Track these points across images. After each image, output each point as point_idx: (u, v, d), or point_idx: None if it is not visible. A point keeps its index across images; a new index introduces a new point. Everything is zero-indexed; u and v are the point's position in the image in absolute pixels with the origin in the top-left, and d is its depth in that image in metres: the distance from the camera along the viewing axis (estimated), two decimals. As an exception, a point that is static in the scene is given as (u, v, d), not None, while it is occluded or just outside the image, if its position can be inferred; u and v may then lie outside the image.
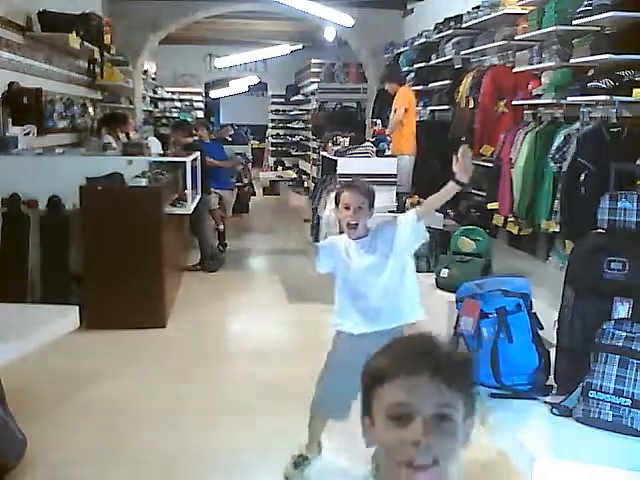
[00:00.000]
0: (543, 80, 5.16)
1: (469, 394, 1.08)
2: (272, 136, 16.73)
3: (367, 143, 6.63)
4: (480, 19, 6.39)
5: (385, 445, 1.06)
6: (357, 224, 2.79)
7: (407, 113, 6.92)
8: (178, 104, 15.79)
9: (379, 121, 7.49)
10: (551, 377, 2.23)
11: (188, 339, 4.93)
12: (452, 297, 4.08)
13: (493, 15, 6.05)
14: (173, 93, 15.53)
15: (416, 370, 1.03)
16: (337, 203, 2.86)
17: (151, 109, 12.50)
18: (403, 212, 6.19)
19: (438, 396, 1.03)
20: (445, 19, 7.60)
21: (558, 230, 4.56)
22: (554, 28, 4.81)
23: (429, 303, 4.98)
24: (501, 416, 2.08)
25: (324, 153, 7.51)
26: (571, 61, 4.69)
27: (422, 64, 8.29)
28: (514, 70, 5.63)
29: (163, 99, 14.32)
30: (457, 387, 1.05)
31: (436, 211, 6.19)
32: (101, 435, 3.39)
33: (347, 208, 2.78)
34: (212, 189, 7.31)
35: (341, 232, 2.98)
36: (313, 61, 12.84)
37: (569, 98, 4.65)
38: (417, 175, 6.87)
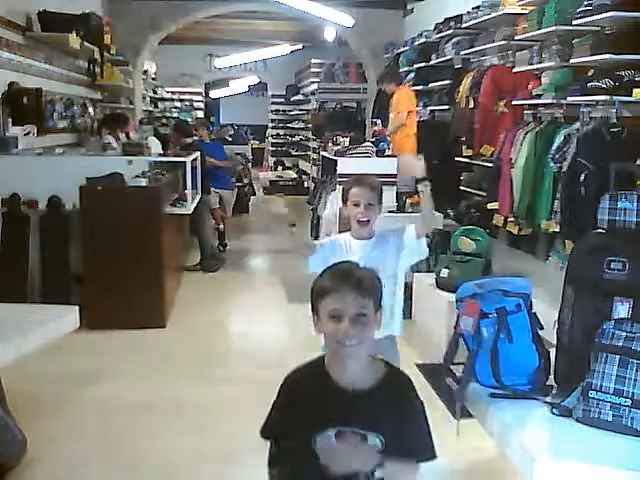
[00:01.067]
0: (543, 80, 5.16)
1: (377, 297, 1.67)
2: (272, 136, 16.73)
3: (367, 143, 6.62)
4: (480, 19, 6.39)
5: (327, 333, 1.65)
6: (368, 221, 2.74)
7: (410, 115, 6.93)
8: (178, 104, 15.79)
9: (379, 121, 7.49)
10: (551, 377, 2.23)
11: (188, 339, 4.93)
12: (452, 297, 4.09)
13: (493, 15, 6.05)
14: (173, 93, 15.53)
15: (343, 287, 1.62)
16: (345, 200, 2.80)
17: (151, 109, 12.50)
18: (403, 212, 6.26)
19: (357, 302, 1.61)
20: (445, 19, 7.60)
21: (558, 230, 4.56)
22: (554, 28, 4.81)
23: (429, 303, 5.00)
24: (501, 416, 2.08)
25: (324, 153, 7.51)
26: (571, 61, 4.69)
27: (422, 64, 8.29)
28: (514, 70, 5.63)
29: (163, 99, 14.32)
30: (368, 294, 1.63)
31: (436, 211, 6.22)
32: (101, 435, 3.39)
33: (357, 205, 2.73)
34: (212, 189, 7.31)
35: (342, 230, 2.95)
36: (313, 61, 12.84)
37: (569, 98, 4.65)
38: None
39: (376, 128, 7.08)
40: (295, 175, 14.58)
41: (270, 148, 16.74)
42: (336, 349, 1.64)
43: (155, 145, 6.46)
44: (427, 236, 3.11)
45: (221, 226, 7.79)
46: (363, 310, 1.62)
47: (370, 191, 2.75)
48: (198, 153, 6.51)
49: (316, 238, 7.11)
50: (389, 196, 6.32)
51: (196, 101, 16.89)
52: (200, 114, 15.88)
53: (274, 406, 1.85)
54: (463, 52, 7.01)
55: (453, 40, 7.27)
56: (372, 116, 9.51)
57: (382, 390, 1.65)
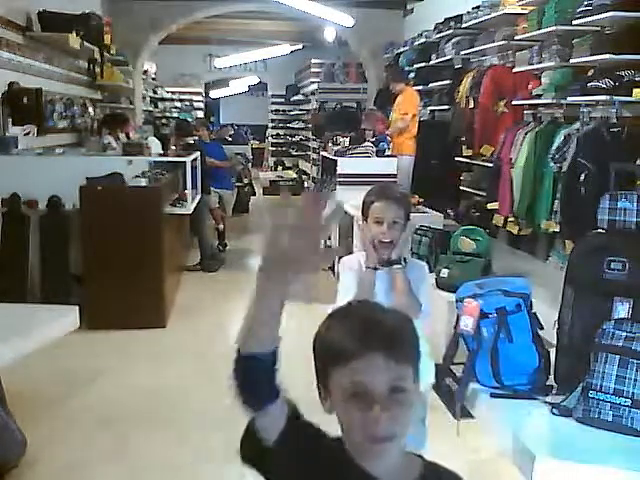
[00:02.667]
0: (543, 80, 5.16)
1: (416, 357, 1.15)
2: (272, 136, 16.73)
3: (367, 143, 6.63)
4: (480, 19, 6.39)
5: (344, 422, 1.12)
6: (392, 242, 2.29)
7: (413, 117, 6.93)
8: (178, 104, 15.78)
9: (374, 108, 7.49)
10: (551, 377, 2.23)
11: (188, 339, 4.93)
12: (452, 297, 4.09)
13: (493, 15, 6.04)
14: (173, 93, 15.53)
15: (367, 351, 1.08)
16: (365, 216, 2.36)
17: (151, 109, 12.50)
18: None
19: (390, 372, 1.08)
20: (445, 19, 7.59)
21: (558, 230, 4.56)
22: (554, 28, 4.81)
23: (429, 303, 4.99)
24: (501, 416, 2.08)
25: (324, 153, 7.52)
26: (571, 61, 4.69)
27: (422, 64, 8.28)
28: (514, 70, 5.63)
29: (163, 99, 14.32)
30: (406, 359, 1.11)
31: (436, 211, 6.23)
32: (101, 435, 3.39)
33: (379, 222, 2.28)
34: (212, 189, 7.31)
35: (368, 250, 2.39)
36: (313, 61, 12.84)
37: (569, 98, 4.65)
38: (417, 175, 6.87)
39: (380, 128, 7.08)
40: (295, 175, 14.58)
41: (270, 148, 16.73)
42: (360, 443, 1.12)
43: (155, 145, 6.46)
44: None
45: (220, 226, 7.79)
46: (400, 383, 1.10)
47: (397, 206, 2.30)
48: (198, 153, 6.51)
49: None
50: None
51: (196, 101, 16.88)
52: (200, 114, 15.88)
53: None
54: (463, 52, 7.00)
55: (453, 40, 7.27)
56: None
57: None
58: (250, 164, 12.04)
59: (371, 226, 2.32)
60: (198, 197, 6.43)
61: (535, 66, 5.24)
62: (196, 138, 7.72)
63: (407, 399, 1.11)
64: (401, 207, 2.32)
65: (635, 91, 3.95)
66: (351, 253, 6.36)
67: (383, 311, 1.18)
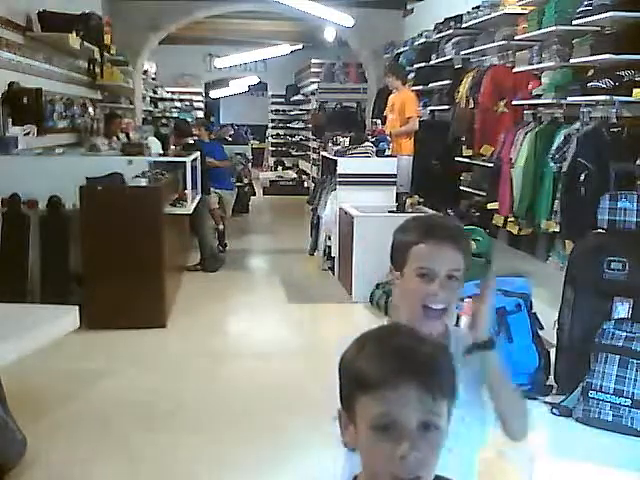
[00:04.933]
0: (543, 80, 5.16)
1: (452, 393, 1.07)
2: (272, 136, 16.73)
3: (367, 143, 6.63)
4: (480, 19, 6.39)
5: (367, 454, 1.05)
6: (445, 309, 1.52)
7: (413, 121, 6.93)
8: (178, 104, 15.78)
9: (379, 121, 7.48)
10: (551, 377, 2.24)
11: (188, 339, 4.93)
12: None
13: (493, 15, 6.05)
14: (173, 93, 15.53)
15: (399, 381, 1.00)
16: (399, 263, 1.56)
17: (151, 109, 12.50)
18: (403, 212, 6.26)
19: (423, 405, 1.00)
20: (445, 19, 7.59)
21: (558, 230, 4.56)
22: (554, 28, 4.81)
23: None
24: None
25: (324, 153, 7.52)
26: (571, 61, 4.69)
27: (422, 64, 8.29)
28: (514, 70, 5.63)
29: (163, 99, 14.32)
30: (441, 392, 1.03)
31: (436, 211, 6.23)
32: (101, 435, 3.39)
33: (424, 275, 1.51)
34: (212, 189, 7.31)
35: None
36: (313, 61, 12.84)
37: (569, 98, 4.65)
38: (417, 175, 6.87)
39: (379, 128, 7.08)
40: (295, 175, 14.58)
41: (270, 148, 16.73)
42: None
43: (155, 145, 6.45)
44: None
45: (221, 226, 7.78)
46: (433, 418, 1.01)
47: (453, 250, 1.51)
48: (198, 153, 6.51)
49: (316, 239, 7.12)
50: (389, 196, 6.34)
51: (196, 101, 16.88)
52: (200, 114, 15.87)
53: None
54: (463, 52, 7.00)
55: (453, 40, 7.27)
56: (372, 116, 9.52)
57: None
58: (250, 164, 12.03)
59: (410, 279, 1.53)
60: (198, 197, 6.43)
61: (535, 66, 5.25)
62: (196, 138, 7.71)
63: (439, 438, 1.03)
64: (459, 250, 1.52)
65: (635, 91, 3.96)
66: (352, 257, 6.31)
67: (419, 338, 1.10)
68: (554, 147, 4.60)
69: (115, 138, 7.03)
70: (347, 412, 1.07)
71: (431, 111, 7.97)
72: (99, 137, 6.86)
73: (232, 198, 8.29)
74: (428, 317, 1.51)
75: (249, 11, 10.41)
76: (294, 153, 15.91)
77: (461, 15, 7.06)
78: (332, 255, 6.68)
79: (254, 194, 11.94)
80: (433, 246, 1.51)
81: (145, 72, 11.17)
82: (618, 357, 1.94)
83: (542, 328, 2.46)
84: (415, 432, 0.99)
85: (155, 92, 13.20)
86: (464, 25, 6.91)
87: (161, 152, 6.36)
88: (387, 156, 6.60)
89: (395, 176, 6.41)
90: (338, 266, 6.48)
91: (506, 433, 1.52)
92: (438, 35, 7.73)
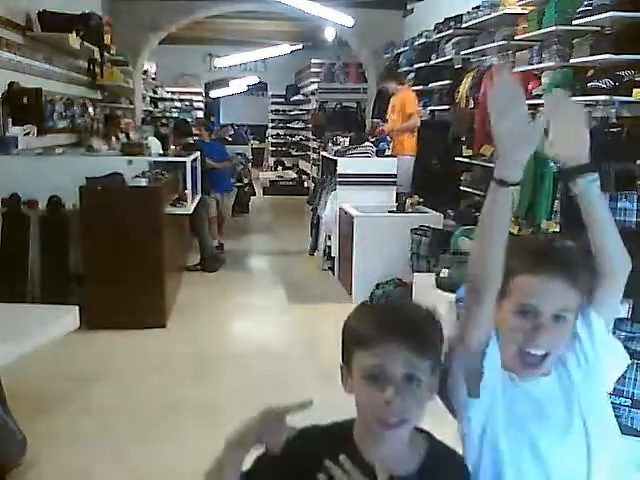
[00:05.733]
0: (543, 80, 5.16)
1: (436, 354, 1.24)
2: (272, 136, 16.73)
3: (367, 143, 6.63)
4: (480, 19, 6.39)
5: (359, 401, 1.21)
6: (547, 355, 1.31)
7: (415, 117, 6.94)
8: (178, 104, 15.78)
9: (380, 121, 7.49)
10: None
11: (188, 339, 4.93)
12: (452, 297, 4.11)
13: (493, 15, 6.05)
14: (173, 93, 15.53)
15: (390, 336, 1.16)
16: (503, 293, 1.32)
17: (151, 109, 12.49)
18: (403, 212, 6.26)
19: (409, 360, 1.16)
20: (445, 19, 7.60)
21: (558, 230, 4.56)
22: (554, 28, 4.81)
23: (429, 303, 5.00)
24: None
25: (324, 153, 7.52)
26: (571, 61, 4.69)
27: (422, 64, 8.29)
28: (514, 70, 5.63)
29: (163, 99, 14.31)
30: (427, 350, 1.20)
31: (436, 211, 6.24)
32: (101, 435, 3.39)
33: (526, 313, 1.30)
34: (210, 194, 7.24)
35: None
36: (313, 61, 12.84)
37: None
38: (417, 175, 6.87)
39: (382, 128, 7.07)
40: (295, 175, 14.58)
41: (270, 148, 16.74)
42: (369, 424, 1.19)
43: (155, 145, 6.46)
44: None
45: (215, 241, 7.64)
46: (415, 372, 1.17)
47: (566, 285, 1.29)
48: (198, 153, 6.51)
49: (316, 239, 7.12)
50: (389, 196, 6.34)
51: (196, 101, 16.88)
52: (200, 114, 15.88)
53: None
54: (463, 52, 7.00)
55: (453, 40, 7.27)
56: (372, 116, 9.52)
57: (426, 477, 1.21)
58: (250, 164, 12.03)
59: (507, 317, 1.31)
60: (198, 197, 6.43)
61: (535, 66, 5.25)
62: (196, 138, 7.71)
63: (421, 390, 1.18)
64: (573, 285, 1.29)
65: (635, 91, 3.96)
66: (352, 257, 6.29)
67: (412, 307, 1.28)
68: (554, 147, 4.60)
69: (114, 138, 7.02)
70: (346, 365, 1.24)
71: (431, 111, 7.97)
72: (96, 138, 6.84)
73: (231, 200, 8.26)
74: (525, 363, 1.32)
75: (249, 11, 10.41)
76: (294, 153, 15.91)
77: (461, 15, 7.06)
78: (332, 255, 6.68)
79: (254, 194, 11.94)
80: (541, 280, 1.28)
81: (145, 72, 11.16)
82: (618, 357, 1.94)
83: (542, 328, 2.45)
84: (400, 382, 1.16)
85: (155, 92, 13.20)
86: (464, 25, 6.91)
87: (161, 152, 6.37)
88: (387, 156, 6.60)
89: (395, 176, 6.42)
90: (338, 266, 6.48)
91: (609, 265, 1.40)
92: (438, 35, 7.73)
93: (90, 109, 7.93)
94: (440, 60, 7.68)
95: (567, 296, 1.29)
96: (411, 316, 1.23)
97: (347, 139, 6.89)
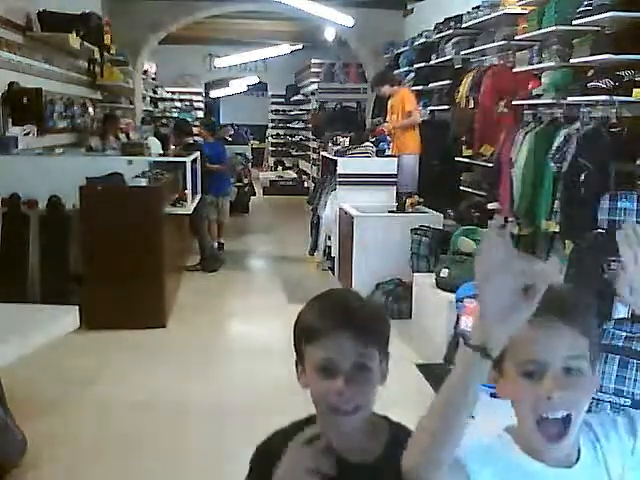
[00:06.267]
0: (543, 80, 5.16)
1: (383, 342, 1.26)
2: (272, 136, 16.74)
3: (367, 143, 6.64)
4: (480, 19, 6.39)
5: (314, 394, 1.24)
6: (569, 418, 1.11)
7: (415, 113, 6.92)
8: (178, 104, 15.78)
9: (381, 119, 7.48)
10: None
11: (188, 339, 4.93)
12: (452, 297, 4.12)
13: (493, 15, 6.04)
14: (173, 93, 15.53)
15: (336, 329, 1.19)
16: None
17: (151, 109, 12.50)
18: (403, 212, 6.27)
19: (356, 350, 1.20)
20: (445, 19, 7.59)
21: (558, 230, 4.56)
22: (554, 28, 4.81)
23: (429, 303, 5.00)
24: (501, 416, 2.07)
25: (324, 153, 7.52)
26: (571, 61, 4.69)
27: (422, 64, 8.29)
28: (514, 70, 5.63)
29: (163, 99, 14.32)
30: (372, 339, 1.23)
31: (436, 211, 6.24)
32: (101, 435, 3.39)
33: (532, 374, 1.12)
34: (209, 195, 7.18)
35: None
36: (313, 61, 12.85)
37: (569, 98, 4.65)
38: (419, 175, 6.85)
39: (384, 128, 7.07)
40: (295, 175, 14.58)
41: (270, 148, 16.74)
42: (327, 414, 1.23)
43: (155, 145, 6.46)
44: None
45: (215, 243, 7.62)
46: (364, 360, 1.21)
47: (572, 330, 1.11)
48: (198, 153, 6.51)
49: (316, 239, 7.12)
50: (389, 196, 6.34)
51: (196, 101, 16.88)
52: (200, 114, 15.88)
53: None
54: (463, 52, 7.00)
55: (453, 40, 7.27)
56: (372, 116, 9.52)
57: (392, 460, 1.13)
58: (250, 164, 12.02)
59: (511, 381, 1.15)
60: (198, 197, 6.43)
61: (535, 66, 5.24)
62: (196, 138, 7.70)
63: (371, 377, 1.22)
64: (579, 326, 1.11)
65: (635, 91, 3.95)
66: (352, 257, 6.29)
67: (358, 298, 1.29)
68: (554, 147, 4.60)
69: (114, 139, 7.01)
70: (299, 359, 1.28)
71: (431, 111, 7.97)
72: (94, 137, 6.84)
73: (227, 203, 8.04)
74: (546, 434, 1.10)
75: (249, 11, 10.42)
76: (294, 153, 15.92)
77: (461, 15, 7.06)
78: (332, 255, 6.68)
79: (254, 194, 11.94)
80: (540, 327, 1.08)
81: (145, 72, 11.17)
82: (618, 357, 1.94)
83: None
84: (349, 371, 1.19)
85: (155, 92, 13.21)
86: (464, 25, 6.90)
87: (161, 152, 6.37)
88: (387, 156, 6.60)
89: (395, 176, 6.41)
90: (338, 266, 6.48)
91: None
92: (438, 35, 7.73)
93: (90, 109, 7.93)
94: (440, 60, 7.67)
95: (574, 342, 1.09)
96: (356, 307, 1.26)
97: (347, 139, 6.89)
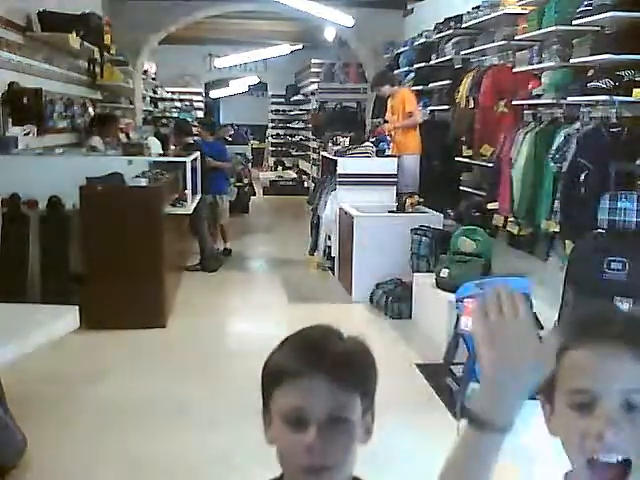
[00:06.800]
0: (543, 80, 5.16)
1: (367, 388, 1.06)
2: (272, 136, 16.74)
3: (367, 143, 6.64)
4: (480, 19, 6.39)
5: (280, 448, 1.04)
6: (628, 463, 0.91)
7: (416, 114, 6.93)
8: (178, 104, 15.79)
9: (381, 120, 7.48)
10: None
11: (188, 339, 4.93)
12: (452, 297, 4.12)
13: (493, 15, 6.04)
14: (173, 93, 15.54)
15: (308, 372, 1.00)
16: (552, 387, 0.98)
17: (151, 109, 12.50)
18: (403, 212, 6.27)
19: (332, 398, 1.00)
20: (445, 19, 7.59)
21: (558, 230, 4.56)
22: (554, 28, 4.81)
23: (429, 303, 5.00)
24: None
25: (324, 153, 7.52)
26: (571, 61, 4.69)
27: (422, 64, 8.28)
28: (514, 70, 5.63)
29: (163, 99, 14.32)
30: (353, 384, 1.02)
31: (436, 211, 6.24)
32: (101, 435, 3.39)
33: (583, 406, 0.93)
34: (209, 195, 7.14)
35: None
36: (313, 61, 12.85)
37: (569, 98, 4.65)
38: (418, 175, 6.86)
39: (384, 127, 7.07)
40: (295, 175, 14.59)
41: (270, 148, 16.75)
42: (295, 476, 1.03)
43: (155, 145, 6.46)
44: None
45: (222, 247, 7.60)
46: (342, 412, 1.00)
47: (632, 354, 0.92)
48: (198, 153, 6.51)
49: (316, 239, 7.12)
50: (389, 196, 6.34)
51: (196, 101, 16.89)
52: (200, 114, 15.89)
53: None
54: (463, 52, 7.00)
55: (453, 40, 7.27)
56: (372, 116, 9.52)
57: None
58: (250, 164, 12.02)
59: (563, 414, 0.97)
60: (198, 197, 6.43)
61: (535, 66, 5.25)
62: (197, 138, 7.69)
63: (349, 431, 1.01)
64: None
65: (635, 91, 3.95)
66: (352, 257, 6.30)
67: (339, 336, 1.08)
68: (554, 147, 4.60)
69: (111, 138, 6.99)
70: (265, 409, 1.07)
71: (431, 111, 7.96)
72: (95, 137, 6.83)
73: (226, 203, 7.93)
74: (597, 476, 0.92)
75: (249, 11, 10.42)
76: (294, 153, 15.92)
77: (461, 15, 7.06)
78: (332, 255, 6.68)
79: (254, 194, 11.94)
80: (599, 354, 0.92)
81: (145, 72, 11.16)
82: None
83: (542, 328, 2.46)
84: (323, 423, 0.98)
85: (155, 92, 13.20)
86: (464, 25, 6.91)
87: (161, 152, 6.37)
88: (387, 156, 6.60)
89: (395, 176, 6.41)
90: (338, 266, 6.49)
91: None
92: (438, 35, 7.73)
93: (90, 109, 7.93)
94: (440, 60, 7.67)
95: (634, 372, 0.91)
96: (333, 345, 1.05)
97: (347, 139, 6.90)
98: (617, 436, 0.88)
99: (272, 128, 16.84)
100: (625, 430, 0.89)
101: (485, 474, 0.89)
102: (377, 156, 6.54)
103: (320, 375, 0.99)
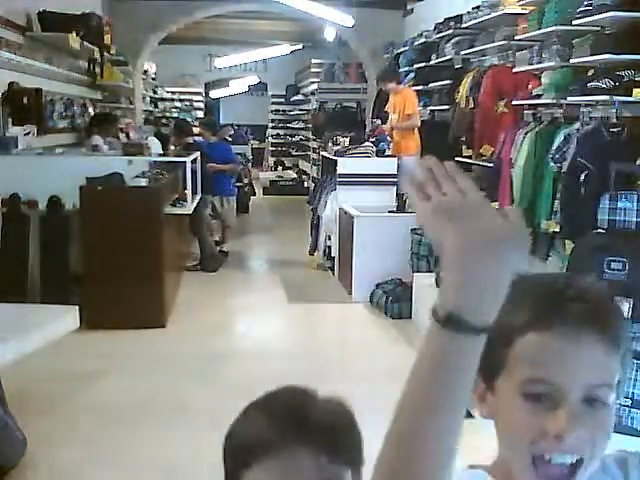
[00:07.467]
0: (543, 80, 5.16)
1: (356, 455, 0.89)
2: (272, 136, 16.73)
3: (367, 143, 6.64)
4: (480, 19, 6.39)
5: None
6: (579, 464, 0.79)
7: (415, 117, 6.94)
8: (178, 104, 15.79)
9: (379, 121, 7.48)
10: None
11: (188, 339, 4.93)
12: (452, 297, 4.11)
13: (493, 15, 6.04)
14: (173, 93, 15.54)
15: (289, 446, 0.82)
16: (488, 365, 0.77)
17: (151, 109, 12.50)
18: (403, 212, 6.26)
19: (319, 473, 0.83)
20: (445, 19, 7.59)
21: (558, 230, 4.56)
22: (554, 28, 4.81)
23: (429, 303, 5.01)
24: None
25: (324, 153, 7.52)
26: (571, 61, 4.69)
27: (422, 64, 8.29)
28: (514, 70, 5.63)
29: (163, 99, 14.32)
30: (343, 458, 0.86)
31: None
32: (101, 435, 3.39)
33: (538, 397, 0.78)
34: (210, 196, 7.14)
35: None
36: (313, 61, 12.85)
37: (569, 98, 4.65)
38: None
39: (384, 127, 7.07)
40: (295, 175, 14.58)
41: (270, 148, 16.74)
42: None
43: (155, 145, 6.45)
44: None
45: (220, 250, 7.57)
46: None
47: (599, 340, 0.77)
48: (198, 153, 6.51)
49: (316, 239, 7.12)
50: (389, 196, 6.34)
51: (196, 101, 16.89)
52: (200, 114, 15.88)
53: None
54: (463, 52, 7.00)
55: (453, 40, 7.27)
56: (372, 116, 9.52)
57: None
58: (250, 164, 12.01)
59: (513, 407, 0.81)
60: (198, 197, 6.43)
61: (535, 66, 5.24)
62: (198, 138, 7.69)
63: None
64: (614, 343, 0.79)
65: (635, 91, 3.95)
66: (352, 257, 6.31)
67: (315, 398, 0.91)
68: (554, 147, 4.60)
69: (115, 138, 6.99)
70: None
71: (431, 111, 7.97)
72: (96, 136, 6.82)
73: (232, 204, 7.88)
74: (542, 476, 0.79)
75: (249, 11, 10.42)
76: (294, 153, 15.91)
77: (461, 15, 7.06)
78: (332, 255, 6.68)
79: (254, 194, 11.94)
80: (562, 338, 0.77)
81: (145, 72, 11.17)
82: (618, 357, 1.94)
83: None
84: None
85: (155, 92, 13.21)
86: (464, 25, 6.90)
87: (161, 152, 6.37)
88: (387, 156, 6.60)
89: (395, 176, 6.41)
90: (338, 266, 6.48)
91: None
92: (438, 35, 7.73)
93: (90, 109, 7.93)
94: (440, 60, 7.67)
95: (605, 363, 0.78)
96: (315, 411, 0.88)
97: (347, 139, 6.89)
98: (576, 434, 0.76)
99: (272, 128, 16.83)
100: (586, 428, 0.76)
101: (462, 385, 0.70)
102: (377, 156, 6.55)
103: (303, 449, 0.83)
